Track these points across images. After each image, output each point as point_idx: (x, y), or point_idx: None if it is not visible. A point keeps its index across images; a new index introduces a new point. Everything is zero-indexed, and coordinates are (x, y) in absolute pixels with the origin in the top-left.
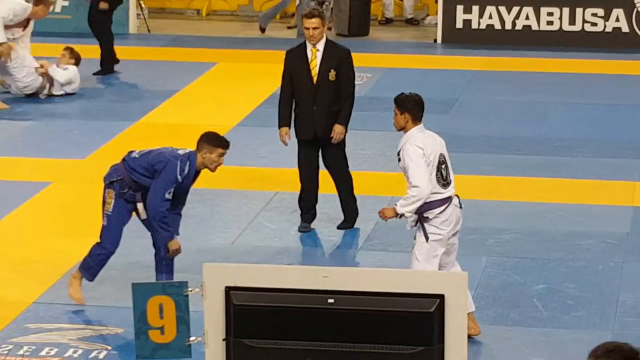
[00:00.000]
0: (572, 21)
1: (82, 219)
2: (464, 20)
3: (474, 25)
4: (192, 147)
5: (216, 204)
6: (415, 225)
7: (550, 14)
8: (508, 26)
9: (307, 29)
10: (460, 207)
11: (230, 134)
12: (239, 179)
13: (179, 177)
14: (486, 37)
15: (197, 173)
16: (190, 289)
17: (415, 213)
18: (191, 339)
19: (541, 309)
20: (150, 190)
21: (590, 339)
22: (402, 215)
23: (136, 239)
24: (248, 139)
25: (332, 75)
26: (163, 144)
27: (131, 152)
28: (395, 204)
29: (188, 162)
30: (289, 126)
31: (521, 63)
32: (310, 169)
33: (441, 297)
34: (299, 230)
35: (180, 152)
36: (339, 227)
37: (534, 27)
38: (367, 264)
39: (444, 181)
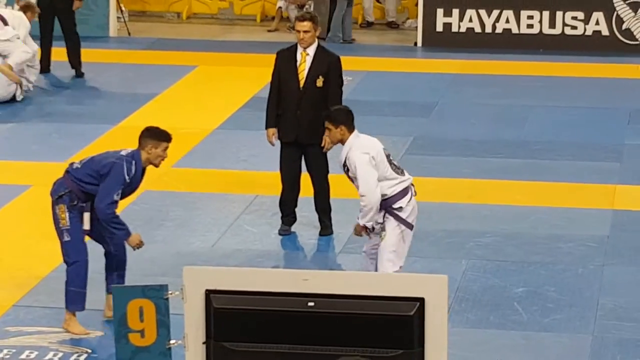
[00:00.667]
0: (552, 24)
1: None
2: (444, 24)
3: (454, 29)
4: (178, 151)
5: (196, 207)
6: (383, 222)
7: (530, 17)
8: (488, 29)
9: (299, 31)
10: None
11: (210, 137)
12: (219, 182)
13: (126, 177)
14: (466, 41)
15: (143, 171)
16: (170, 292)
17: (383, 209)
18: (171, 342)
19: (521, 312)
20: (97, 194)
21: (570, 342)
22: (371, 229)
23: None
24: (228, 142)
25: (319, 81)
26: None
27: (72, 163)
28: (357, 218)
29: (133, 161)
30: (276, 127)
31: (501, 66)
32: (291, 171)
33: (421, 301)
34: (279, 234)
35: (123, 152)
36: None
37: (514, 30)
38: (347, 267)
39: (399, 170)
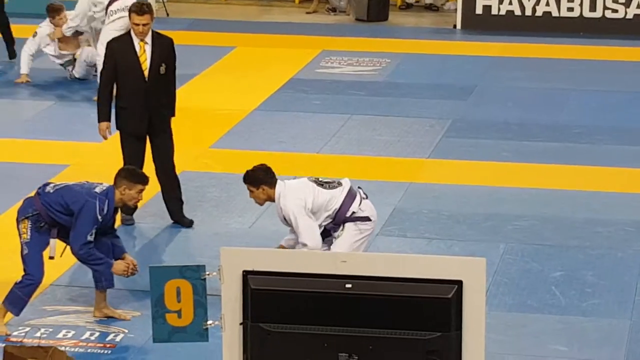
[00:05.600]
0: (592, 8)
1: None
2: (484, 6)
3: (494, 11)
4: (216, 132)
5: (233, 188)
6: (343, 230)
7: (570, 0)
8: (528, 12)
9: (137, 25)
10: (367, 197)
11: (248, 118)
12: (256, 163)
13: (98, 217)
14: (506, 23)
15: (116, 210)
16: (207, 273)
17: (338, 223)
18: (208, 322)
19: (559, 296)
20: (71, 235)
21: (608, 326)
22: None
23: (145, 218)
24: (266, 123)
25: (162, 69)
26: (180, 128)
27: (46, 185)
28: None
29: (106, 200)
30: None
31: (541, 49)
32: (141, 163)
33: (459, 283)
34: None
35: (97, 189)
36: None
37: (554, 13)
38: (384, 250)
39: (333, 184)
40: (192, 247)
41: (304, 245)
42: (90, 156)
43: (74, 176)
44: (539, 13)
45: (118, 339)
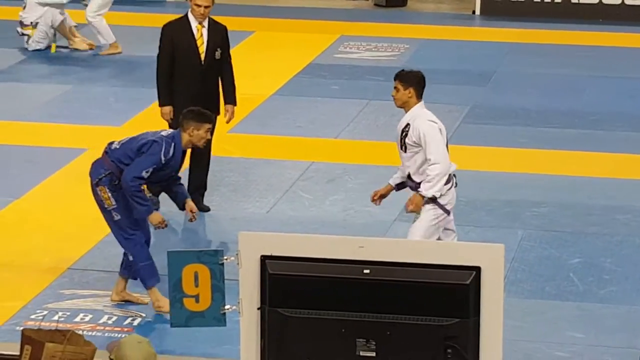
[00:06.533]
0: None
1: None
2: None
3: None
4: (235, 117)
5: (251, 173)
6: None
7: None
8: None
9: (199, 6)
10: (456, 185)
11: (266, 102)
12: (275, 148)
13: (162, 158)
14: (525, 9)
15: (184, 153)
16: (225, 257)
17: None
18: (226, 307)
19: (577, 283)
20: (129, 166)
21: (626, 313)
22: (434, 199)
23: (163, 202)
24: (284, 108)
25: (217, 54)
26: None
27: (111, 143)
28: (418, 191)
29: (173, 144)
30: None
31: (560, 36)
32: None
33: (477, 270)
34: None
35: (164, 133)
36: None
37: None
38: (403, 235)
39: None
40: (210, 231)
41: (434, 164)
42: (108, 140)
43: (93, 160)
44: None
45: (135, 323)
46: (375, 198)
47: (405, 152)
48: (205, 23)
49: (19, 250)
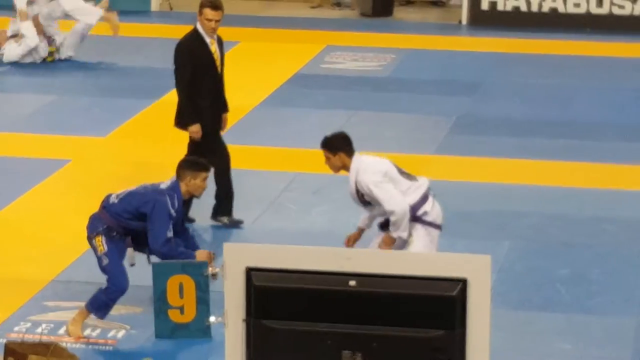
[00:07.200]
0: (599, 4)
1: (100, 197)
2: (490, 2)
3: (500, 7)
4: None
5: (237, 184)
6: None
7: None
8: (534, 8)
9: (210, 20)
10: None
11: (252, 113)
12: (260, 159)
13: (172, 212)
14: (512, 19)
15: (184, 204)
16: (210, 269)
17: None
18: (211, 319)
19: (564, 294)
20: (150, 237)
21: (614, 324)
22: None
23: None
24: (270, 119)
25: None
26: None
27: (109, 196)
28: (388, 232)
29: (175, 195)
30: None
31: (547, 46)
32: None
33: (464, 281)
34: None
35: (162, 186)
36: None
37: (561, 9)
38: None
39: (411, 177)
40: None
41: (392, 212)
42: (92, 151)
43: (76, 171)
44: (545, 9)
45: (120, 335)
46: (349, 244)
47: (372, 205)
48: (214, 35)
49: (1, 261)
